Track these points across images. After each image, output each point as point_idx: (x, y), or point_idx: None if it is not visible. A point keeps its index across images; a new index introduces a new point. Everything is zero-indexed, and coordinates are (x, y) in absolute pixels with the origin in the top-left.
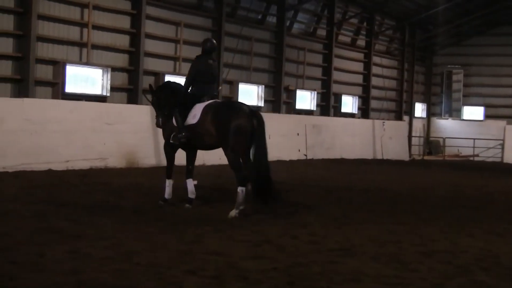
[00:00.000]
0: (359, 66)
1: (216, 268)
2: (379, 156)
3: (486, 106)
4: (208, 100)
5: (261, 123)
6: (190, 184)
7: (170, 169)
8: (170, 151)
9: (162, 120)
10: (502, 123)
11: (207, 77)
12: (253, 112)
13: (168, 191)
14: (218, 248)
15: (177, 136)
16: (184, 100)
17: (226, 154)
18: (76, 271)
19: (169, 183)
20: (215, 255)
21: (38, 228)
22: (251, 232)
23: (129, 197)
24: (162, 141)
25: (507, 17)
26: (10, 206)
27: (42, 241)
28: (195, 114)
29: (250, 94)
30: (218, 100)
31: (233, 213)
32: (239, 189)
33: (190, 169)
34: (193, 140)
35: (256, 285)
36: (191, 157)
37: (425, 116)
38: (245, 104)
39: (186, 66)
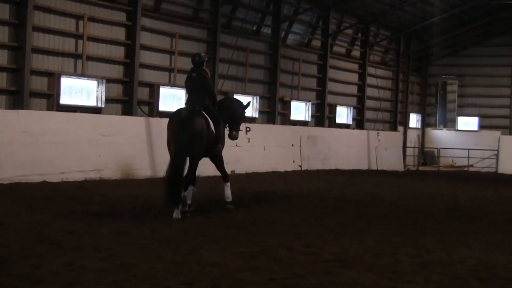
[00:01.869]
0: (354, 77)
1: (212, 279)
2: (374, 167)
3: (481, 116)
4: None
5: (179, 126)
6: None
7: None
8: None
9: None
10: (496, 133)
11: (190, 88)
12: (177, 115)
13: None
14: (214, 259)
15: None
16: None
17: None
18: (73, 283)
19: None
20: (211, 267)
21: (34, 240)
22: (247, 243)
23: (125, 209)
24: (157, 152)
25: (502, 28)
26: (5, 218)
27: (38, 253)
28: None
29: None
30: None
31: (175, 213)
32: None
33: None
34: None
35: None
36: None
37: (420, 126)
38: (185, 109)
39: (181, 78)
